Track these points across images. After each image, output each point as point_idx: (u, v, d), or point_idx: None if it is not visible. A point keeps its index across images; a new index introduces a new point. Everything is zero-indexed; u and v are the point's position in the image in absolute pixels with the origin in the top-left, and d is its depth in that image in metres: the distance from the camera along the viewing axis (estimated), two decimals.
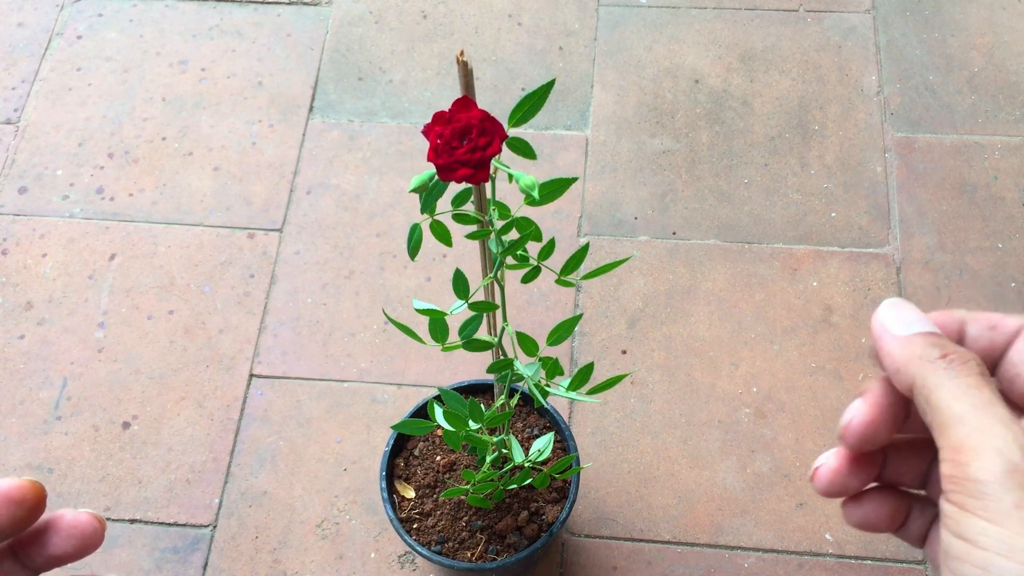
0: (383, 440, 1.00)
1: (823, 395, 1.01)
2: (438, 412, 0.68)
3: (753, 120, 1.20)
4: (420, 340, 0.57)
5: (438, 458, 0.83)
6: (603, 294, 1.08)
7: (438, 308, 0.58)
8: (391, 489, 0.81)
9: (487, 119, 0.44)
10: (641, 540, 0.95)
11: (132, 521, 0.97)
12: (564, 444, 0.82)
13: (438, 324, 0.57)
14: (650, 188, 1.15)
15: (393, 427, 0.68)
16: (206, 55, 1.28)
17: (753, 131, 1.19)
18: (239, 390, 1.04)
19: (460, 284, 0.56)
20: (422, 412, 0.81)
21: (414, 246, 0.52)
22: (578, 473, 0.78)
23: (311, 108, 1.23)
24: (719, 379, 1.02)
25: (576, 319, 0.58)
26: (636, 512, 0.96)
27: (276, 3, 1.32)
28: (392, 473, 0.82)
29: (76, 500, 0.98)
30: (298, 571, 0.94)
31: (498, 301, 0.59)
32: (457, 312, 0.56)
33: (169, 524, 0.97)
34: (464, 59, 0.45)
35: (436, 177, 0.48)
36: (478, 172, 0.44)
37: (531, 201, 0.47)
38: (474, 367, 1.03)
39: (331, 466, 0.99)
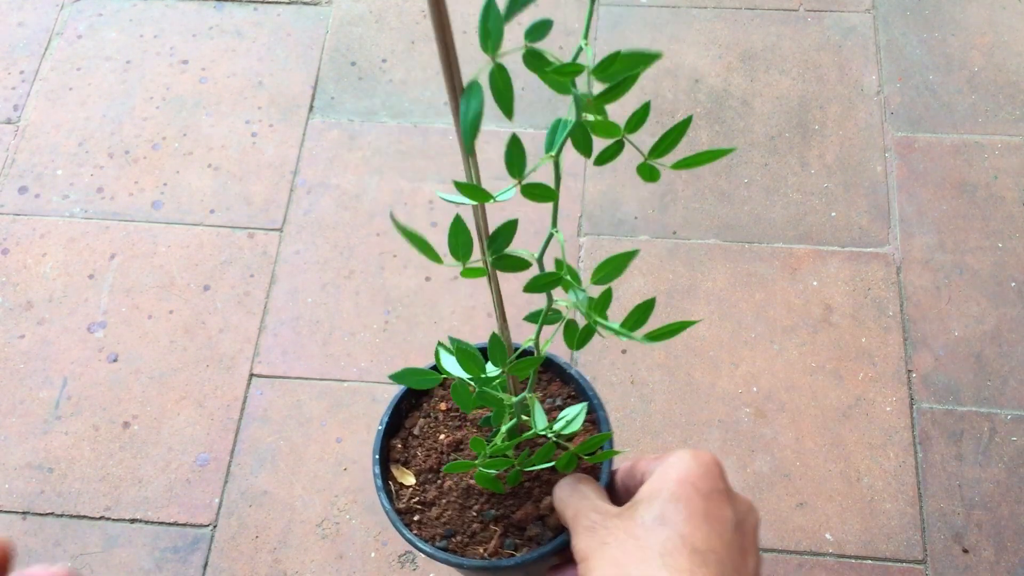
0: None
1: (823, 394, 1.01)
2: (446, 358, 0.56)
3: (753, 120, 1.20)
4: (435, 257, 0.45)
5: (441, 436, 0.70)
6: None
7: (466, 201, 0.44)
8: (386, 475, 0.68)
9: None
10: None
11: (132, 521, 0.97)
12: (595, 418, 0.67)
13: (460, 234, 0.45)
14: (650, 188, 1.15)
15: (392, 376, 0.56)
16: (206, 55, 1.28)
17: (753, 131, 1.19)
18: (239, 390, 1.04)
19: (515, 157, 0.41)
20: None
21: (472, 121, 0.37)
22: (611, 458, 0.63)
23: (311, 108, 1.23)
24: (719, 379, 1.02)
25: (631, 254, 0.46)
26: None
27: (276, 3, 1.32)
28: (387, 457, 0.69)
29: (76, 500, 0.98)
30: (298, 571, 0.94)
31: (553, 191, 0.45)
32: (504, 198, 0.43)
33: (169, 524, 0.97)
34: None
35: None
36: None
37: None
38: None
39: (331, 466, 0.99)
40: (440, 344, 0.57)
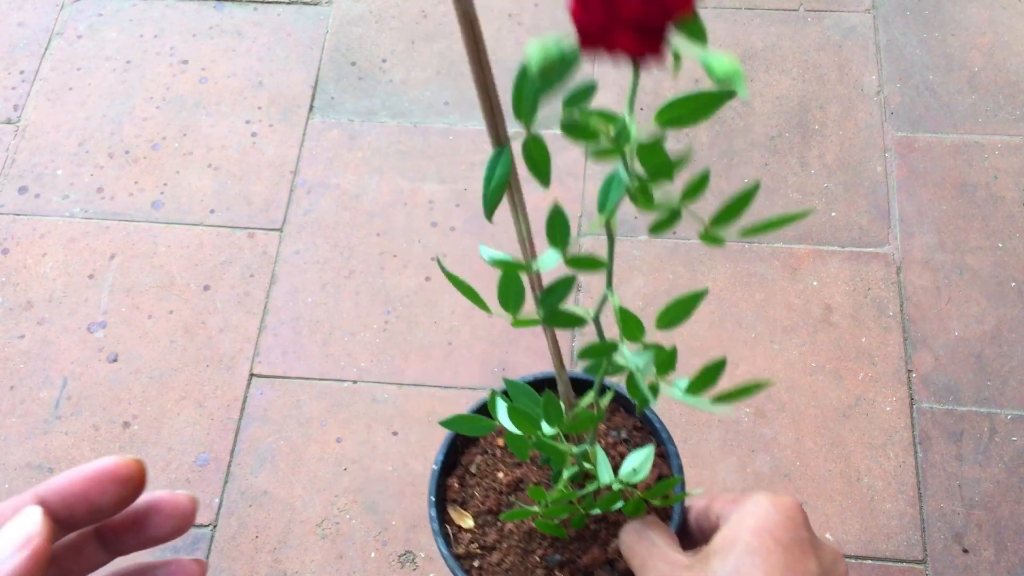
0: (383, 439, 1.00)
1: (823, 394, 1.01)
2: (500, 408, 0.51)
3: (753, 120, 1.20)
4: (484, 306, 0.43)
5: (500, 475, 0.65)
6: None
7: (512, 259, 0.40)
8: (443, 517, 0.63)
9: None
10: None
11: None
12: (664, 454, 0.62)
13: (512, 286, 0.41)
14: None
15: (442, 423, 0.52)
16: (206, 55, 1.28)
17: (753, 131, 1.19)
18: (239, 390, 1.04)
19: (558, 227, 0.38)
20: (483, 412, 0.63)
21: (495, 189, 0.33)
22: (683, 499, 0.58)
23: (311, 108, 1.23)
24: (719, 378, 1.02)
25: (700, 295, 0.42)
26: None
27: (276, 3, 1.32)
28: (444, 497, 0.64)
29: None
30: (298, 571, 0.94)
31: (602, 259, 0.42)
32: (548, 268, 0.40)
33: None
34: None
35: (569, 48, 0.29)
36: (650, 41, 0.27)
37: (726, 85, 0.28)
38: (477, 367, 1.03)
39: (331, 466, 0.99)
40: (494, 392, 0.53)
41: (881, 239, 1.11)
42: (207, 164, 1.19)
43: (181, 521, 0.32)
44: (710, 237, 0.39)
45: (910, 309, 1.06)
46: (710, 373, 0.43)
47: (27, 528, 0.28)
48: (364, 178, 1.17)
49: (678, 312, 0.42)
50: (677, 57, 0.28)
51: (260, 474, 0.99)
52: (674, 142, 1.17)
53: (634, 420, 0.65)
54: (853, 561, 0.93)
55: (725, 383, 0.40)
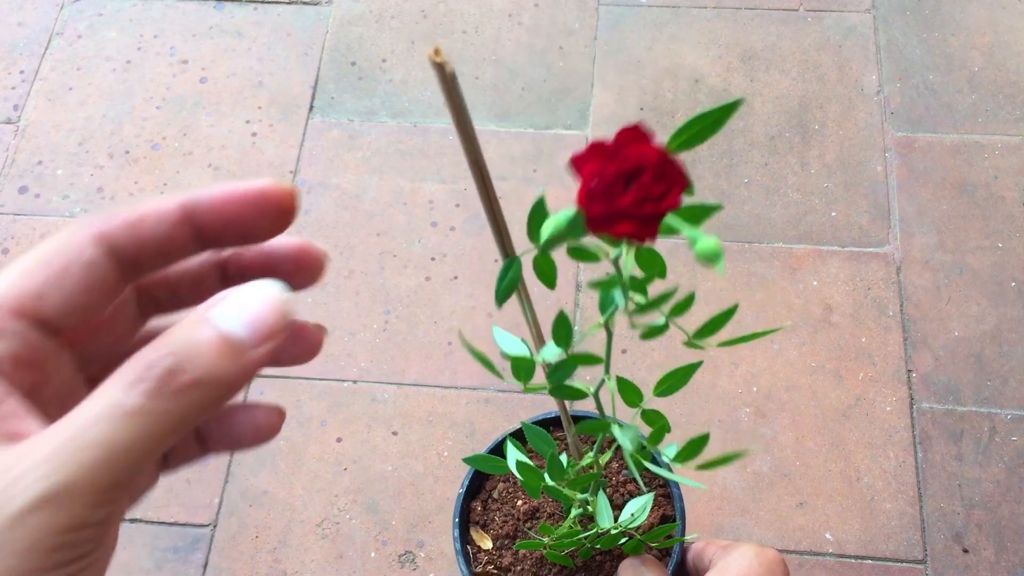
0: (383, 439, 1.00)
1: (823, 394, 1.01)
2: (511, 455, 0.57)
3: (753, 119, 1.20)
4: (498, 374, 0.47)
5: (519, 503, 0.69)
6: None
7: (526, 352, 0.47)
8: (465, 537, 0.68)
9: (666, 161, 0.33)
10: None
11: (132, 520, 0.97)
12: (668, 495, 0.68)
13: (523, 364, 0.48)
14: None
15: (466, 460, 0.57)
16: (206, 55, 1.28)
17: (753, 130, 1.19)
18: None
19: (562, 329, 0.45)
20: (500, 451, 0.69)
21: (506, 288, 0.40)
22: (682, 542, 0.64)
23: (311, 107, 1.23)
24: (719, 378, 1.02)
25: (694, 367, 0.48)
26: None
27: (276, 3, 1.32)
28: (467, 519, 0.69)
29: None
30: (298, 571, 0.94)
31: (600, 349, 0.47)
32: (550, 359, 0.47)
33: (169, 523, 0.97)
34: (440, 60, 0.34)
35: (578, 226, 0.36)
36: (644, 229, 0.33)
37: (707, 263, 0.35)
38: (477, 367, 1.03)
39: (331, 466, 0.99)
40: (510, 438, 0.59)
41: (881, 239, 1.11)
42: (207, 164, 1.19)
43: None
44: (693, 344, 0.45)
45: (910, 309, 1.06)
46: (695, 446, 0.49)
47: (270, 317, 0.26)
48: (364, 178, 1.17)
49: (675, 382, 0.48)
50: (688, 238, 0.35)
51: (260, 474, 0.99)
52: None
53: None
54: (853, 561, 0.93)
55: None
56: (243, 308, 0.26)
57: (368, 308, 1.08)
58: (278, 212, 0.28)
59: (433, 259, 1.11)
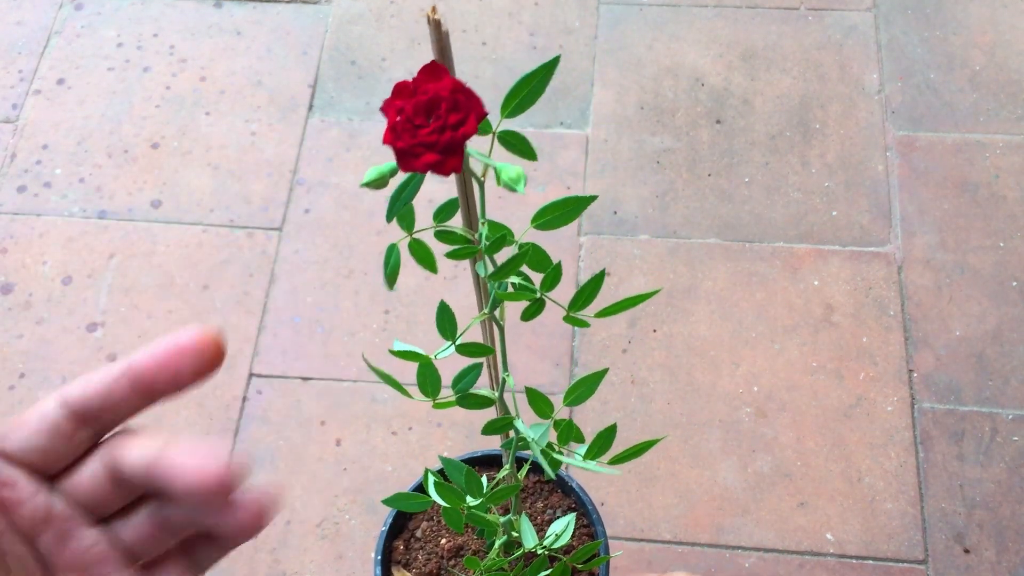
0: (383, 439, 1.00)
1: (824, 394, 1.01)
2: (433, 486, 0.57)
3: (754, 119, 1.19)
4: (405, 392, 0.46)
5: (443, 541, 0.71)
6: (603, 293, 1.07)
7: (419, 350, 0.46)
8: None
9: (460, 90, 0.34)
10: (642, 540, 0.94)
11: None
12: (590, 527, 0.69)
13: (427, 372, 0.47)
14: (650, 187, 1.14)
15: (385, 501, 0.57)
16: (205, 54, 1.27)
17: (754, 130, 1.18)
18: (238, 389, 1.04)
19: (445, 320, 0.45)
20: (421, 489, 0.71)
21: (391, 272, 0.41)
22: (607, 562, 0.65)
23: (310, 106, 1.23)
24: (720, 378, 1.02)
25: (600, 375, 0.47)
26: (637, 512, 0.96)
27: (275, 1, 1.32)
28: (389, 558, 0.70)
29: None
30: (298, 571, 0.94)
31: (496, 344, 0.48)
32: (443, 357, 0.46)
33: None
34: (437, 17, 0.35)
35: (390, 168, 0.38)
36: (447, 159, 0.34)
37: (515, 189, 0.37)
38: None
39: (331, 466, 0.99)
40: (429, 471, 0.59)
41: (882, 238, 1.10)
42: (206, 163, 1.19)
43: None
44: (572, 319, 0.45)
45: (911, 308, 1.06)
46: (602, 440, 0.49)
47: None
48: (363, 177, 1.17)
49: (584, 391, 0.48)
50: (495, 170, 0.36)
51: (260, 474, 0.99)
52: (673, 141, 1.17)
53: (570, 500, 0.72)
54: (854, 561, 0.93)
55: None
56: None
57: (368, 308, 1.08)
58: (204, 360, 0.31)
59: (436, 258, 1.10)
